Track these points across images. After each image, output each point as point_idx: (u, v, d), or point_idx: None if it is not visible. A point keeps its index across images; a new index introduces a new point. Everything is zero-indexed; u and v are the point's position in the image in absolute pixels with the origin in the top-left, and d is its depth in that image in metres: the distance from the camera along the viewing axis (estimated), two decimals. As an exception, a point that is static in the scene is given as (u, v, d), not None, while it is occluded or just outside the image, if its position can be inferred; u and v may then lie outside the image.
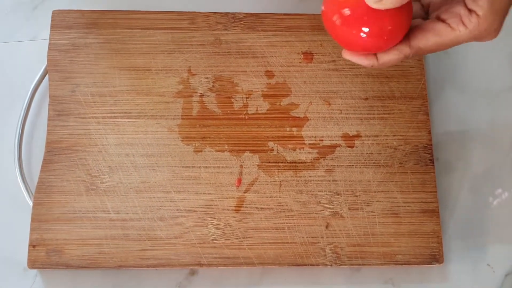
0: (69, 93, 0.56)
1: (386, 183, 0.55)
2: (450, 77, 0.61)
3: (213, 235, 0.52)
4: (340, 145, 0.56)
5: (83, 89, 0.56)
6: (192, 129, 0.55)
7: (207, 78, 0.57)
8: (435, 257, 0.53)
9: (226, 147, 0.55)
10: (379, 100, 0.57)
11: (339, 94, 0.57)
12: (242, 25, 0.59)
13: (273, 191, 0.54)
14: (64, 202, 0.53)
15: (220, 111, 0.56)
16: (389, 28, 0.40)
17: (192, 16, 0.59)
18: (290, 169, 0.55)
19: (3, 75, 0.59)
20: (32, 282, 0.52)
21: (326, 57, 0.58)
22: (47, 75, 0.57)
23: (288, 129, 0.56)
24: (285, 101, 0.57)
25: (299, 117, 0.56)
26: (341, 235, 0.53)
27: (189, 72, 0.57)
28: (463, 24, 0.39)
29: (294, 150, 0.55)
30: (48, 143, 0.54)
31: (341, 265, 0.52)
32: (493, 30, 0.40)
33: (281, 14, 0.59)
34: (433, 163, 0.56)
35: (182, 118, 0.56)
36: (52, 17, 0.58)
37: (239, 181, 0.54)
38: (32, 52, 0.59)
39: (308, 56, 0.58)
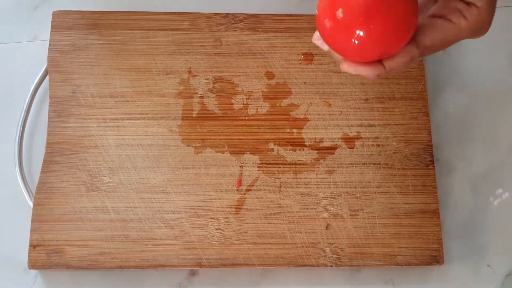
0: (69, 94, 0.56)
1: (386, 183, 0.55)
2: (450, 78, 0.61)
3: (213, 235, 0.52)
4: (340, 145, 0.56)
5: (83, 90, 0.56)
6: (192, 129, 0.55)
7: (207, 79, 0.57)
8: (435, 258, 0.53)
9: (226, 148, 0.55)
10: (379, 101, 0.57)
11: (339, 95, 0.57)
12: (242, 26, 0.59)
13: (273, 192, 0.54)
14: (65, 202, 0.53)
15: (220, 111, 0.56)
16: (395, 27, 0.36)
17: (192, 17, 0.59)
18: (290, 170, 0.55)
19: (4, 76, 0.59)
20: (32, 283, 0.52)
21: (326, 58, 0.58)
22: (47, 76, 0.57)
23: (288, 129, 0.56)
24: (285, 102, 0.57)
25: (299, 118, 0.56)
26: (341, 235, 0.53)
27: (190, 73, 0.57)
28: (464, 17, 0.39)
29: (294, 150, 0.55)
30: (49, 144, 0.54)
31: (341, 265, 0.52)
32: (488, 23, 0.40)
33: (281, 15, 0.59)
34: (433, 163, 0.56)
35: (183, 119, 0.56)
36: (52, 18, 0.58)
37: (239, 181, 0.54)
38: (32, 53, 0.59)
39: (308, 57, 0.58)
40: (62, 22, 0.58)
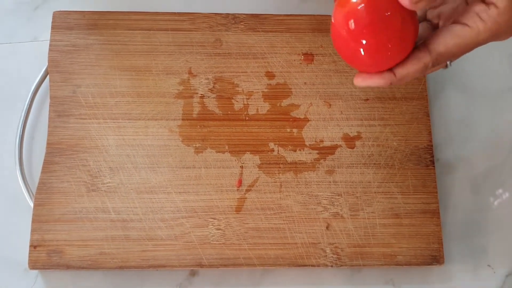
0: (70, 94, 0.56)
1: (387, 183, 0.55)
2: (450, 78, 0.61)
3: (214, 235, 0.52)
4: (340, 146, 0.56)
5: (83, 90, 0.56)
6: (192, 130, 0.55)
7: (207, 79, 0.57)
8: (436, 258, 0.53)
9: (227, 148, 0.55)
10: (380, 101, 0.57)
11: (340, 95, 0.57)
12: (242, 26, 0.59)
13: (274, 192, 0.54)
14: (65, 203, 0.53)
15: (220, 112, 0.56)
16: (395, 36, 0.38)
17: (192, 17, 0.59)
18: (291, 170, 0.55)
19: (4, 76, 0.59)
20: (33, 283, 0.52)
21: (327, 58, 0.58)
22: (48, 76, 0.57)
23: (288, 130, 0.56)
24: (285, 102, 0.57)
25: (299, 118, 0.56)
26: (341, 236, 0.53)
27: (190, 73, 0.57)
28: (481, 19, 0.38)
29: (295, 151, 0.55)
30: (49, 144, 0.54)
31: (341, 266, 0.52)
32: (506, 24, 0.38)
33: (282, 15, 0.59)
34: (433, 163, 0.56)
35: (183, 119, 0.56)
36: (53, 18, 0.58)
37: (240, 182, 0.54)
38: (33, 53, 0.59)
39: (309, 57, 0.58)
40: (63, 22, 0.58)
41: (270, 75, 0.58)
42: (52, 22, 0.58)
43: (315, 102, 0.57)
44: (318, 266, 0.52)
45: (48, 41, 0.57)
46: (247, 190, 0.54)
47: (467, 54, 0.61)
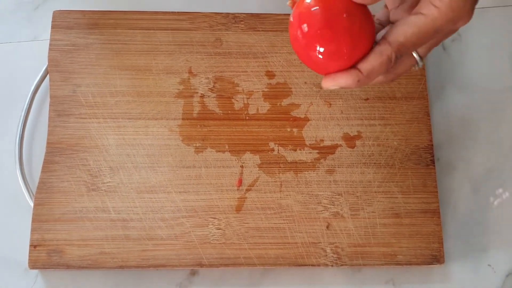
0: (70, 93, 0.56)
1: (387, 183, 0.55)
2: (450, 77, 0.61)
3: (214, 235, 0.52)
4: (340, 145, 0.56)
5: (84, 89, 0.56)
6: (192, 129, 0.55)
7: (207, 78, 0.57)
8: (436, 257, 0.53)
9: (227, 148, 0.55)
10: (380, 101, 0.57)
11: (340, 94, 0.57)
12: (242, 26, 0.59)
13: (274, 192, 0.54)
14: (65, 202, 0.53)
15: (220, 111, 0.56)
16: (350, 34, 0.38)
17: (192, 16, 0.59)
18: (291, 170, 0.55)
19: (4, 76, 0.59)
20: (33, 283, 0.52)
21: (327, 57, 0.58)
22: (48, 76, 0.57)
23: (288, 129, 0.56)
24: (285, 102, 0.57)
25: (299, 118, 0.56)
26: (342, 235, 0.53)
27: (190, 72, 0.57)
28: (435, 6, 0.38)
29: (295, 150, 0.55)
30: (49, 144, 0.54)
31: (342, 265, 0.52)
32: (466, 11, 0.39)
33: (282, 14, 0.59)
34: (434, 163, 0.56)
35: (183, 119, 0.56)
36: (53, 18, 0.58)
37: (240, 181, 0.54)
38: (33, 52, 0.59)
39: (309, 56, 0.58)
40: (63, 21, 0.58)
41: (270, 74, 0.58)
42: (52, 21, 0.58)
43: (315, 102, 0.57)
44: (318, 265, 0.52)
45: (48, 41, 0.57)
46: (247, 190, 0.54)
47: (467, 54, 0.61)
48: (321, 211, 0.53)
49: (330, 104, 0.57)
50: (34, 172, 0.55)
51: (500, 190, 0.57)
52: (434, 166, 0.55)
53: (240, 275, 0.53)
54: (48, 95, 0.56)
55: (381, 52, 0.39)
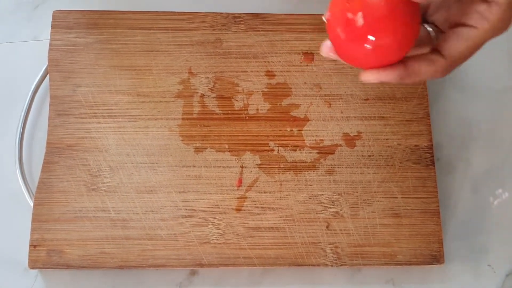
0: (69, 93, 0.56)
1: (387, 183, 0.55)
2: (450, 77, 0.61)
3: (214, 235, 0.52)
4: (340, 145, 0.56)
5: (83, 89, 0.56)
6: (192, 129, 0.55)
7: (207, 78, 0.57)
8: (436, 258, 0.53)
9: (227, 148, 0.55)
10: (380, 101, 0.57)
11: (340, 94, 0.57)
12: (242, 26, 0.59)
13: (274, 192, 0.54)
14: (65, 202, 0.53)
15: (220, 111, 0.56)
16: (402, 29, 0.37)
17: (192, 16, 0.59)
18: (291, 170, 0.55)
19: (4, 75, 0.59)
20: (33, 282, 0.52)
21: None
22: (47, 76, 0.57)
23: (288, 129, 0.56)
24: (285, 102, 0.57)
25: (299, 118, 0.56)
26: (341, 235, 0.53)
27: (190, 72, 0.57)
28: (485, 18, 0.38)
29: (295, 150, 0.55)
30: (49, 143, 0.54)
31: (341, 265, 0.52)
32: (510, 19, 0.39)
33: (282, 14, 0.59)
34: (433, 163, 0.56)
35: (183, 119, 0.56)
36: (53, 17, 0.58)
37: (240, 181, 0.54)
38: (33, 52, 0.59)
39: (309, 56, 0.58)
40: (63, 21, 0.58)
41: (270, 74, 0.58)
42: (52, 21, 0.58)
43: (315, 102, 0.57)
44: (318, 265, 0.52)
45: (48, 41, 0.57)
46: (247, 190, 0.54)
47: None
48: (321, 211, 0.53)
49: (330, 104, 0.57)
50: (34, 172, 0.55)
51: (500, 190, 0.57)
52: (434, 166, 0.55)
53: (240, 275, 0.53)
54: (48, 95, 0.56)
55: (434, 61, 0.39)
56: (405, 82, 0.39)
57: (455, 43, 0.39)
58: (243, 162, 0.55)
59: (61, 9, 0.58)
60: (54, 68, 0.56)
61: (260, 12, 0.59)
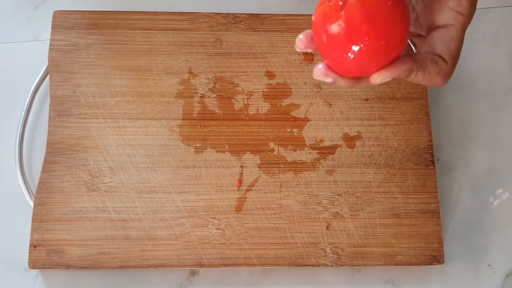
0: (70, 93, 0.56)
1: (387, 183, 0.55)
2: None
3: (214, 235, 0.52)
4: (340, 145, 0.56)
5: (84, 89, 0.56)
6: (192, 129, 0.55)
7: (207, 78, 0.57)
8: (436, 258, 0.53)
9: (227, 148, 0.55)
10: (380, 101, 0.57)
11: (340, 94, 0.57)
12: (242, 26, 0.59)
13: (274, 192, 0.54)
14: (65, 202, 0.53)
15: (220, 111, 0.56)
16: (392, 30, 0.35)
17: (192, 16, 0.59)
18: (291, 170, 0.55)
19: (4, 76, 0.59)
20: (33, 282, 0.52)
21: (327, 57, 0.58)
22: (48, 76, 0.57)
23: (288, 129, 0.56)
24: (285, 102, 0.57)
25: (299, 118, 0.56)
26: (341, 235, 0.53)
27: (190, 72, 0.57)
28: (459, 13, 0.39)
29: (295, 150, 0.55)
30: (49, 144, 0.54)
31: (341, 265, 0.52)
32: (476, 3, 0.40)
33: (282, 14, 0.59)
34: (433, 163, 0.56)
35: (183, 119, 0.56)
36: (53, 18, 0.58)
37: (240, 181, 0.54)
38: (33, 52, 0.59)
39: (309, 56, 0.58)
40: (63, 22, 0.58)
41: (270, 74, 0.58)
42: (52, 21, 0.58)
43: (315, 102, 0.57)
44: (318, 265, 0.52)
45: (48, 41, 0.57)
46: (247, 190, 0.54)
47: (467, 54, 0.61)
48: (321, 211, 0.53)
49: (330, 105, 0.57)
50: (34, 172, 0.55)
51: (500, 190, 0.57)
52: (434, 166, 0.55)
53: (240, 275, 0.53)
54: (48, 95, 0.56)
55: (436, 61, 0.39)
56: (413, 77, 0.39)
57: (447, 46, 0.39)
58: (243, 163, 0.55)
59: (61, 9, 0.58)
60: (54, 68, 0.56)
61: (260, 12, 0.59)
